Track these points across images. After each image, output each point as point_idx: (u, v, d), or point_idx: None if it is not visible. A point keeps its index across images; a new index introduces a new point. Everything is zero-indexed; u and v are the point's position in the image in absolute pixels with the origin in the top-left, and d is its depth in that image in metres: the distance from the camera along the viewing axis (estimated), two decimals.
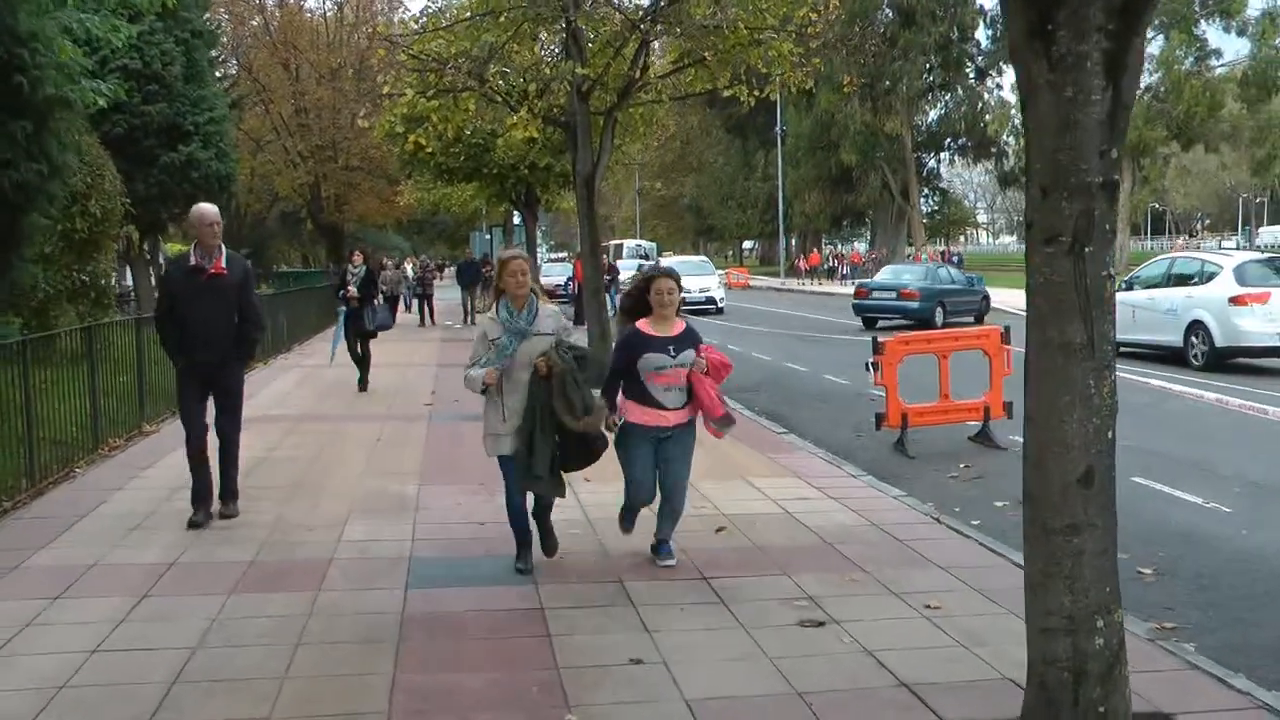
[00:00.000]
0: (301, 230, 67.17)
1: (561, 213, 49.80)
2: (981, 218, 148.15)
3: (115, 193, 19.75)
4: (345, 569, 7.67)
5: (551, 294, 36.85)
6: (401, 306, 33.22)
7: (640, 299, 7.58)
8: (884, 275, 34.17)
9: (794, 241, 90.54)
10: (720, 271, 46.58)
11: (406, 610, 6.76)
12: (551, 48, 20.21)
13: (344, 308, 17.52)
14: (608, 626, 6.52)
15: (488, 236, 51.26)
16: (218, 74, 47.95)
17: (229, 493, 9.29)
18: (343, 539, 8.44)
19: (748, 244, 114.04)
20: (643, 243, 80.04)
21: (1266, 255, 28.81)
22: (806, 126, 74.23)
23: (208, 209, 8.85)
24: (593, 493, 9.46)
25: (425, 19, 19.89)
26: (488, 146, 29.09)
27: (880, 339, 12.98)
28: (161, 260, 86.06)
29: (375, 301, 17.68)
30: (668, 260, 39.30)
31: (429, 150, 22.72)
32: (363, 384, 17.47)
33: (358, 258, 18.05)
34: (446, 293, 42.23)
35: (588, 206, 18.51)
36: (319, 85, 52.34)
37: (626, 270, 48.91)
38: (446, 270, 66.81)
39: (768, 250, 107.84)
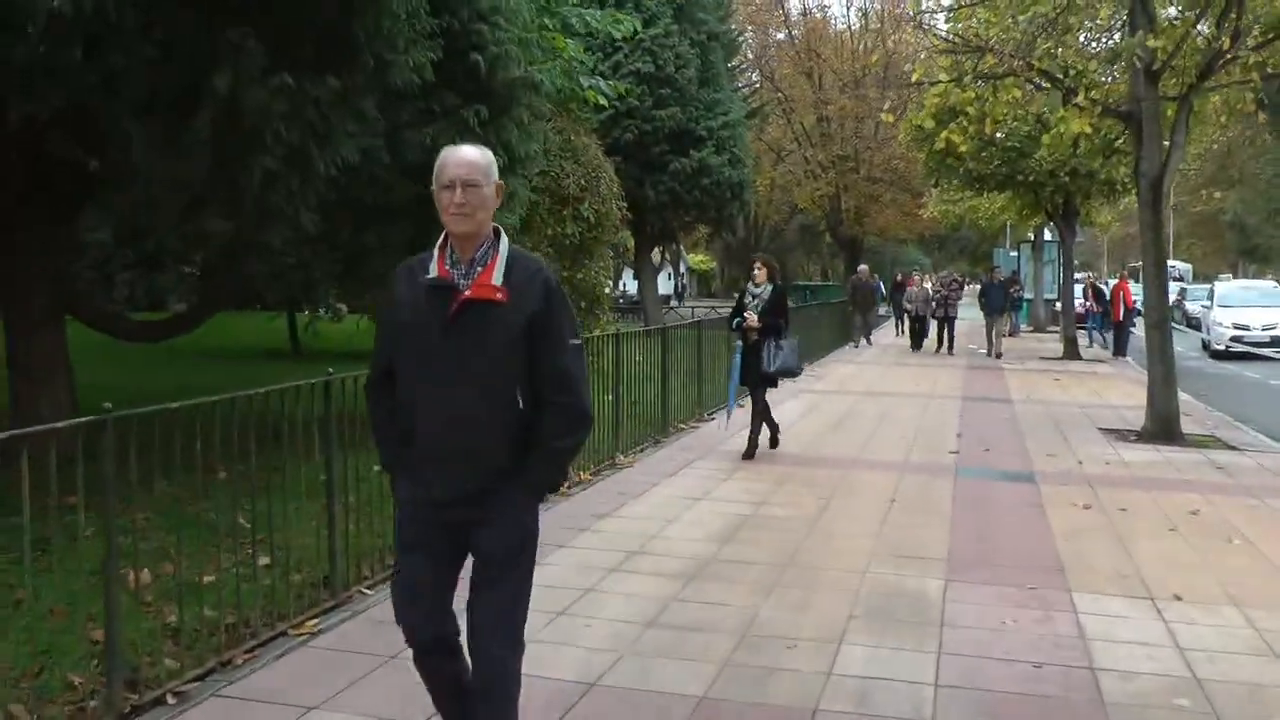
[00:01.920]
0: (820, 243, 65.76)
1: (1094, 229, 45.47)
2: None
3: (611, 196, 18.34)
4: None
5: (1079, 316, 33.42)
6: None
7: None
8: None
9: None
10: None
11: None
12: (1115, 19, 16.91)
13: (740, 342, 12.72)
14: None
15: (1014, 254, 47.42)
16: (738, 83, 47.38)
17: None
18: (834, 670, 5.91)
19: None
20: (1176, 263, 73.55)
21: None
22: None
23: (468, 151, 4.04)
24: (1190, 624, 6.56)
25: None
26: (1024, 151, 25.94)
27: None
28: (682, 269, 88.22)
29: (781, 336, 12.48)
30: (1226, 286, 34.41)
31: (961, 149, 19.94)
32: (750, 453, 12.53)
33: (761, 272, 12.61)
34: (966, 311, 39.35)
35: (1153, 215, 15.13)
36: (842, 93, 50.43)
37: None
38: (968, 287, 62.31)
39: None
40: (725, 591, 7.28)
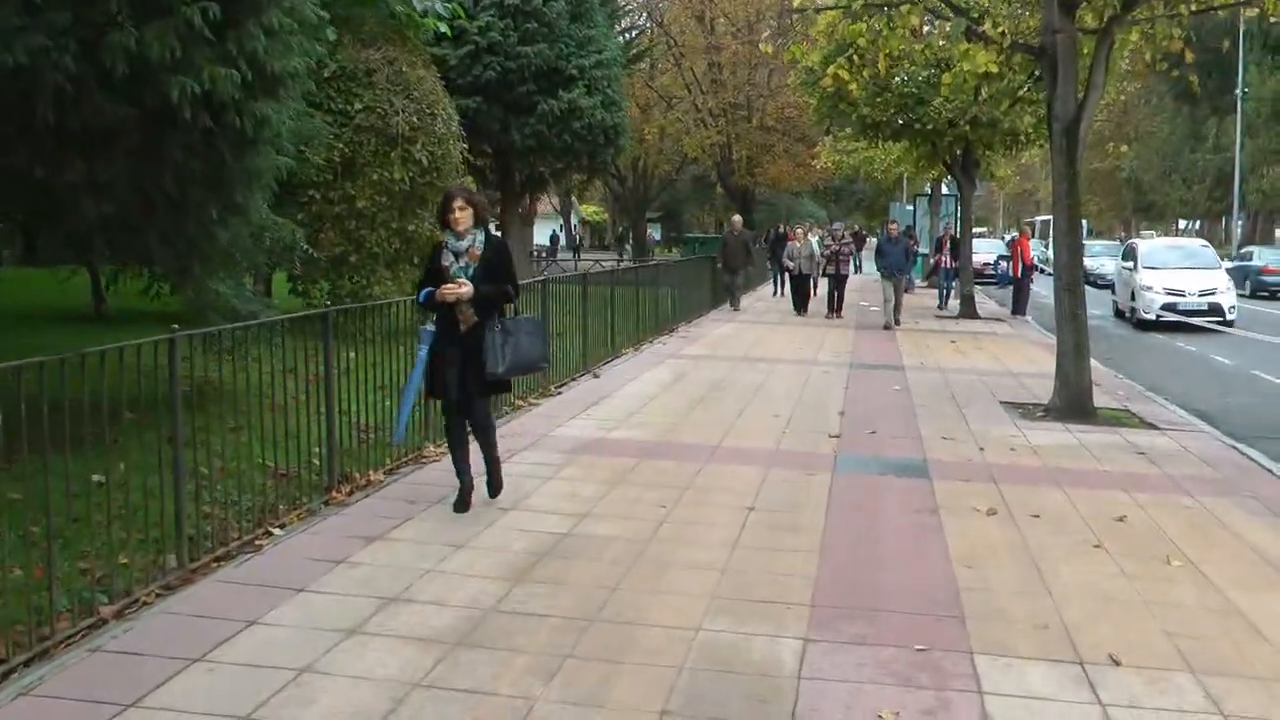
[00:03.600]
0: (713, 194, 63.70)
1: (992, 183, 43.95)
2: None
3: (450, 136, 16.01)
4: None
5: (979, 273, 31.38)
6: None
7: None
8: None
9: (1241, 222, 79.78)
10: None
11: None
12: None
13: (431, 327, 8.00)
14: None
15: (909, 207, 45.72)
16: (620, 25, 45.02)
17: None
18: None
19: (1183, 224, 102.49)
20: None
21: None
22: (1270, 88, 64.49)
23: None
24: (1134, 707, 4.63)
25: None
26: (923, 97, 24.02)
27: None
28: (574, 221, 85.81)
29: (505, 315, 8.04)
30: (1149, 245, 30.66)
31: (852, 87, 17.87)
32: (464, 503, 8.01)
33: (464, 213, 7.77)
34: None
35: (1067, 164, 13.18)
36: (735, 38, 48.29)
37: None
38: (868, 243, 58.21)
39: (1207, 232, 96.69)
40: (493, 669, 5.19)
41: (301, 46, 8.08)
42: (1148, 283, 26.71)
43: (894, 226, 25.62)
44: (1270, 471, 10.30)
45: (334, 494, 8.25)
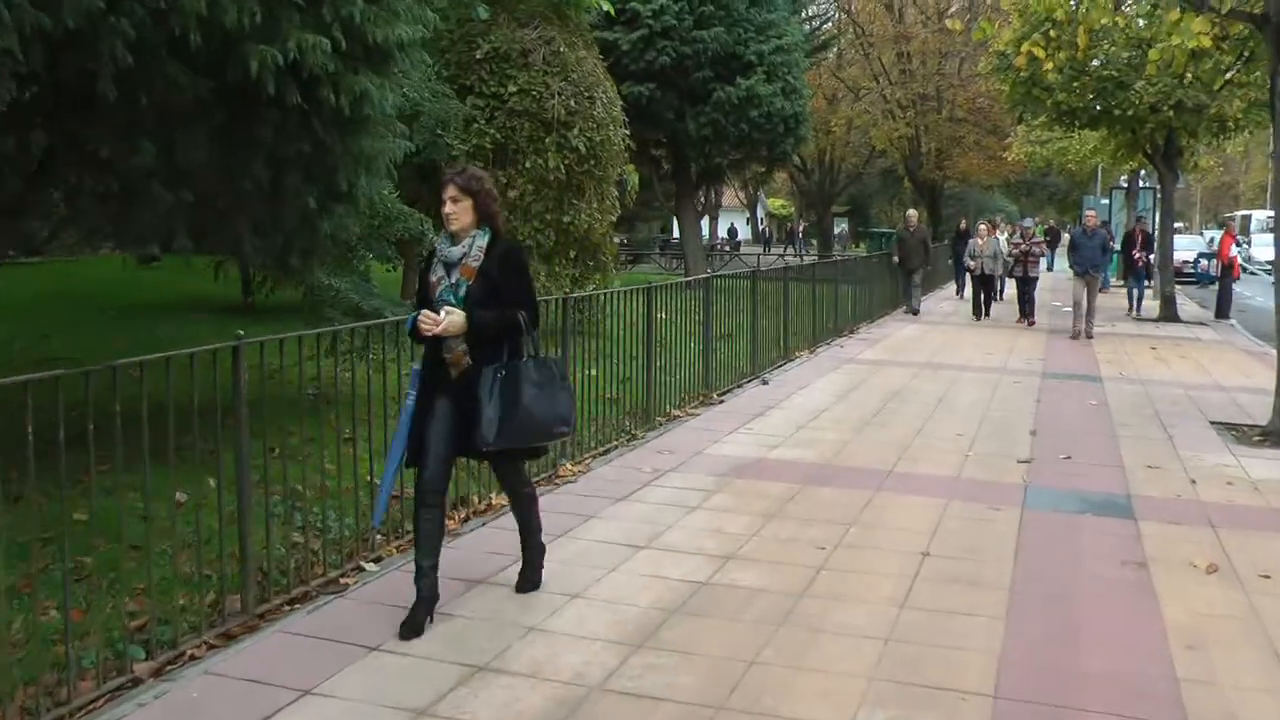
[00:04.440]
0: (902, 189, 61.68)
1: (1193, 174, 41.29)
2: None
3: (611, 121, 14.91)
4: None
5: (1178, 272, 28.42)
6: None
7: None
8: None
9: None
10: None
11: None
12: None
13: (418, 366, 5.80)
14: None
15: (1104, 201, 43.15)
16: (806, 11, 43.47)
17: None
18: None
19: None
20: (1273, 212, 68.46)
21: None
22: None
23: None
24: None
25: None
26: (1123, 81, 22.14)
27: None
28: (761, 215, 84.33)
29: (524, 351, 5.70)
30: None
31: (1047, 67, 16.24)
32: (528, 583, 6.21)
33: (461, 204, 5.55)
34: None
35: None
36: (924, 27, 46.39)
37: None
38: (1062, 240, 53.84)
39: None
40: None
41: (412, 13, 6.99)
42: None
43: (1091, 217, 21.77)
44: None
45: (447, 520, 7.22)
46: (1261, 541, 7.56)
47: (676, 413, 11.38)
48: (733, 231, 65.05)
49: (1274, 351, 20.07)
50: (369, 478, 6.75)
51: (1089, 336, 20.08)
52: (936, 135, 46.20)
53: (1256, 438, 11.30)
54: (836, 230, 65.17)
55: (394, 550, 6.73)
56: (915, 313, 24.00)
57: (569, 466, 8.84)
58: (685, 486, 8.53)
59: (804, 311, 17.27)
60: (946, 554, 6.97)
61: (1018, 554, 7.03)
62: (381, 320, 7.55)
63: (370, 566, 6.42)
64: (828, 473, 9.11)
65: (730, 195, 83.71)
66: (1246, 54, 21.97)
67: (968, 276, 25.72)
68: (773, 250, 57.85)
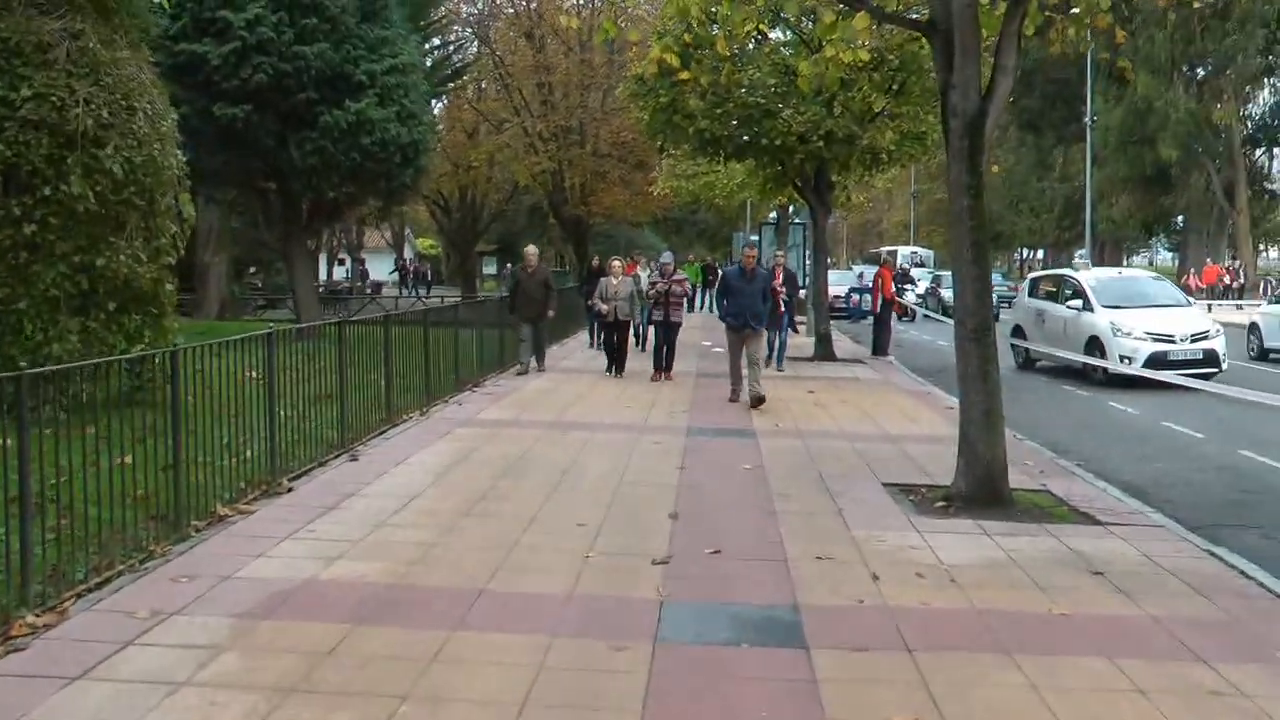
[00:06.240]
0: (551, 226, 60.03)
1: (839, 213, 41.46)
2: None
3: (156, 138, 12.04)
4: None
5: (831, 307, 26.96)
6: (631, 340, 20.97)
7: None
8: None
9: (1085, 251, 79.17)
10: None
11: None
12: None
13: None
14: None
15: (754, 237, 42.43)
16: (440, 39, 41.17)
17: None
18: None
19: (1027, 253, 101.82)
20: (919, 249, 70.81)
21: None
22: (1117, 117, 63.82)
23: None
24: None
25: None
26: (769, 109, 20.73)
27: None
28: (409, 255, 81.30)
29: None
30: (1094, 276, 23.75)
31: (683, 76, 14.34)
32: None
33: None
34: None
35: (969, 171, 9.88)
36: (566, 57, 44.82)
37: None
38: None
39: (1056, 261, 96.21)
40: None
41: None
42: (1123, 325, 20.35)
43: (751, 255, 16.89)
44: None
45: None
46: (976, 671, 5.71)
47: (225, 511, 8.66)
48: (364, 274, 61.66)
49: (937, 391, 19.13)
50: None
51: (755, 402, 15.48)
52: (580, 170, 44.71)
53: (939, 503, 9.62)
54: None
55: None
56: (541, 368, 19.94)
57: (30, 618, 6.12)
58: (183, 643, 5.88)
59: (416, 365, 14.80)
60: None
61: None
62: None
63: None
64: (395, 600, 6.62)
65: (376, 236, 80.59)
66: (897, 86, 21.09)
67: (598, 325, 21.89)
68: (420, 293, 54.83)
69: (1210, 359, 20.11)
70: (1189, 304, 22.85)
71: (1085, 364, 20.56)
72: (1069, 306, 21.56)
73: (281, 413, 10.13)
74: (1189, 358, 19.86)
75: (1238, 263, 58.07)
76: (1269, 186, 72.65)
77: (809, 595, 6.91)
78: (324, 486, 9.76)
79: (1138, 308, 20.96)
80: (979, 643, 6.18)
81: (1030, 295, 24.13)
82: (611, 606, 6.61)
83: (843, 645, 6.04)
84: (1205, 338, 20.45)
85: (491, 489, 9.79)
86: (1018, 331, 23.96)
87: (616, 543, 8.06)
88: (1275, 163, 75.32)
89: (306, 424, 10.78)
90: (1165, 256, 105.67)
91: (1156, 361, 19.55)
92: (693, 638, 6.12)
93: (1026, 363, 23.25)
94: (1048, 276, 25.58)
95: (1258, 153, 69.45)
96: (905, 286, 41.95)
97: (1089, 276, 23.24)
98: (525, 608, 6.56)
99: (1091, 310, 20.98)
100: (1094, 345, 20.59)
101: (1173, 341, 20.05)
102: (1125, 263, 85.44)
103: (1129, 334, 20.10)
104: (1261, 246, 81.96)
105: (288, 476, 9.86)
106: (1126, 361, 19.69)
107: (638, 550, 7.85)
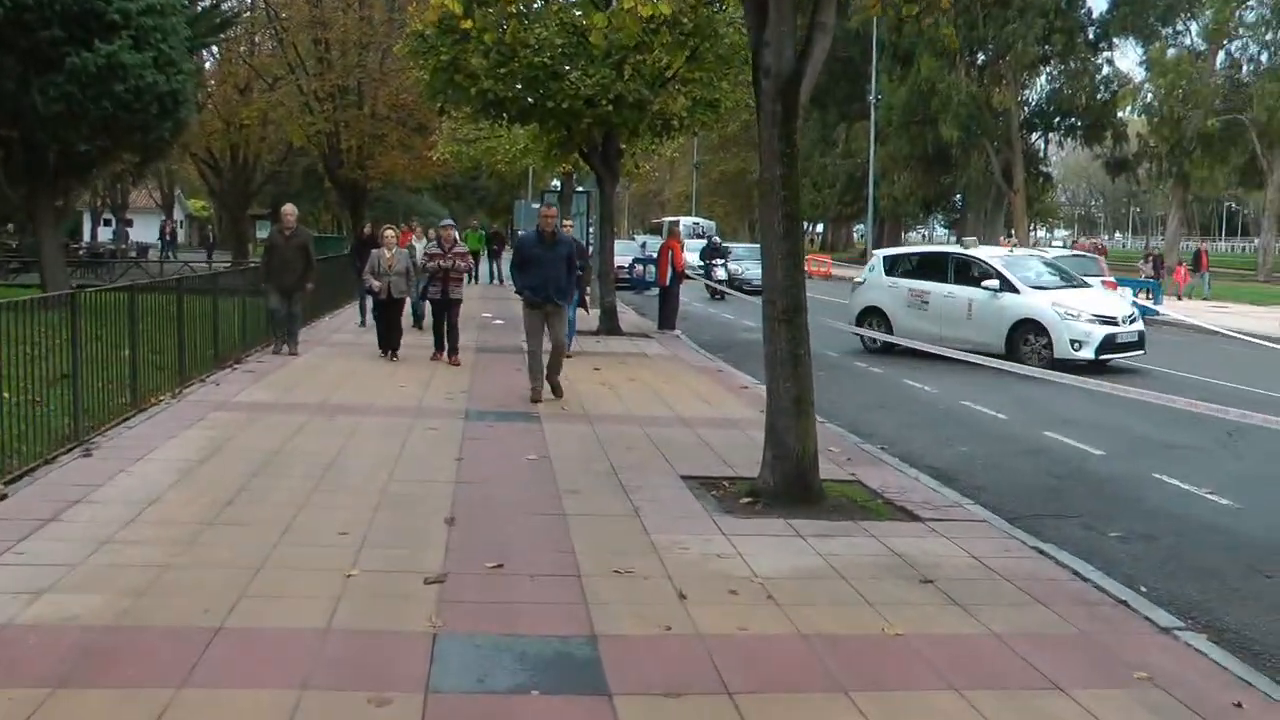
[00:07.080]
0: (327, 190, 57.70)
1: (638, 177, 40.57)
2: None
3: None
4: None
5: (615, 278, 25.75)
6: (408, 313, 19.55)
7: None
8: None
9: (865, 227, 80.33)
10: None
11: None
12: None
13: None
14: None
15: (536, 206, 41.06)
16: None
17: None
18: None
19: (808, 226, 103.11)
20: (701, 220, 70.62)
21: None
22: (901, 97, 65.49)
23: None
24: None
25: None
26: (556, 70, 19.65)
27: None
28: (179, 216, 77.45)
29: None
30: (1003, 254, 22.10)
31: (466, 25, 13.14)
32: None
33: None
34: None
35: (782, 138, 9.01)
36: (345, 14, 42.79)
37: (692, 252, 38.97)
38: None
39: (837, 235, 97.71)
40: None
41: None
42: (1069, 305, 19.12)
43: (550, 217, 13.85)
44: (1138, 612, 6.63)
45: None
46: (810, 717, 4.80)
47: None
48: (125, 235, 58.02)
49: (728, 367, 18.37)
50: None
51: (555, 393, 13.69)
52: (357, 132, 42.77)
53: (745, 499, 8.81)
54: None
55: None
56: (294, 351, 17.31)
57: None
58: None
59: (169, 341, 13.31)
60: None
61: None
62: None
63: None
64: (111, 649, 5.31)
65: (145, 195, 76.66)
66: (689, 52, 20.24)
67: (370, 300, 19.28)
68: (181, 258, 51.63)
69: (1141, 340, 19.61)
70: (1090, 285, 21.97)
71: (966, 348, 16.80)
72: (984, 288, 19.89)
73: (9, 396, 8.73)
74: (1128, 340, 19.29)
75: (1014, 240, 60.04)
76: (1044, 169, 75.83)
77: (608, 622, 5.94)
78: (45, 491, 8.24)
79: (1058, 289, 19.98)
80: (808, 679, 5.32)
81: (889, 274, 22.06)
82: (375, 644, 5.50)
83: (651, 689, 5.10)
84: (1135, 319, 19.89)
85: (243, 489, 8.51)
86: (871, 313, 22.01)
87: (384, 557, 6.92)
88: (1050, 146, 78.77)
89: (35, 412, 9.33)
90: (942, 234, 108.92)
91: (1108, 345, 18.84)
92: (472, 684, 5.08)
93: (884, 348, 21.03)
94: (916, 254, 23.62)
95: (1034, 136, 72.31)
96: (715, 262, 40.87)
97: (992, 254, 21.61)
98: (271, 650, 5.39)
99: (1015, 291, 19.55)
100: (1025, 329, 19.16)
101: (1116, 324, 19.22)
102: (903, 239, 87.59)
103: (1076, 316, 18.94)
104: (1033, 226, 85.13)
105: (4, 480, 8.40)
106: (1077, 346, 18.68)
107: (408, 565, 6.75)
